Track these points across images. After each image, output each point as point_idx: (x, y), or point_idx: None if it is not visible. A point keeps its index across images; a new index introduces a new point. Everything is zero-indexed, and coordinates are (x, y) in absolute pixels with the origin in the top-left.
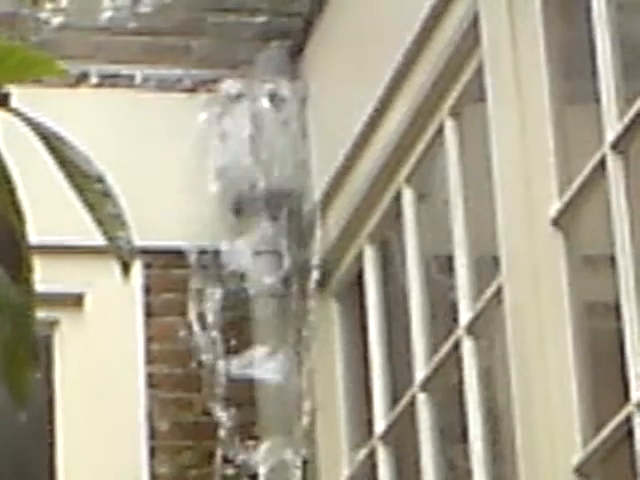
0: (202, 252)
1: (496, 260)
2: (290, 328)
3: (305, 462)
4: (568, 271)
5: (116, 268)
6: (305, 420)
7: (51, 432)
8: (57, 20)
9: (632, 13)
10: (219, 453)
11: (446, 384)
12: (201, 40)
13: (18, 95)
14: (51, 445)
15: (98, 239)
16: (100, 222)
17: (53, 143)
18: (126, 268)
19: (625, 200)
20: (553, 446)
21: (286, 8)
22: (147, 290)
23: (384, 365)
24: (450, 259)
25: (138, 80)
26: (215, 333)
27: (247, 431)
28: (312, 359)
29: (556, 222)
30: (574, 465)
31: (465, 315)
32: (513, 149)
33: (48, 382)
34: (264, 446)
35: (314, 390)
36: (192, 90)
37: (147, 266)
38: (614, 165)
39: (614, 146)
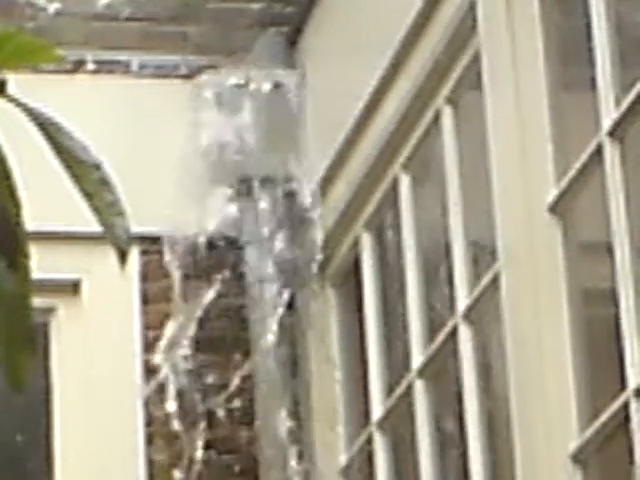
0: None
1: (493, 247)
2: (287, 315)
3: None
4: (565, 258)
5: (113, 255)
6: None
7: (48, 419)
8: (54, 6)
9: (629, 0)
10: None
11: (443, 371)
12: (198, 26)
13: (14, 82)
14: (48, 432)
15: (95, 226)
16: (97, 209)
17: (50, 130)
18: (123, 255)
19: (622, 187)
20: (550, 433)
21: None
22: (144, 277)
23: (381, 352)
24: (447, 246)
25: (135, 67)
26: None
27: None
28: (309, 345)
29: (553, 209)
30: (570, 452)
31: (462, 302)
32: (510, 136)
33: (45, 369)
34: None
35: (310, 377)
36: (189, 77)
37: (144, 253)
38: (611, 152)
39: (611, 133)
